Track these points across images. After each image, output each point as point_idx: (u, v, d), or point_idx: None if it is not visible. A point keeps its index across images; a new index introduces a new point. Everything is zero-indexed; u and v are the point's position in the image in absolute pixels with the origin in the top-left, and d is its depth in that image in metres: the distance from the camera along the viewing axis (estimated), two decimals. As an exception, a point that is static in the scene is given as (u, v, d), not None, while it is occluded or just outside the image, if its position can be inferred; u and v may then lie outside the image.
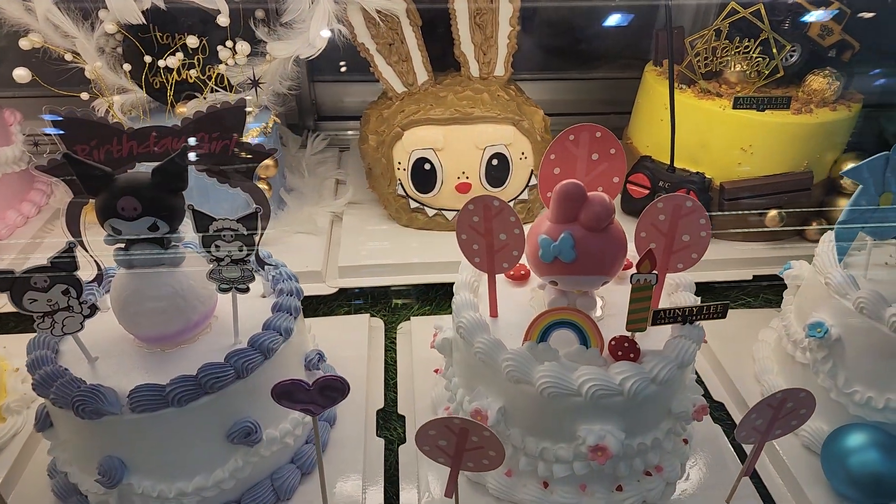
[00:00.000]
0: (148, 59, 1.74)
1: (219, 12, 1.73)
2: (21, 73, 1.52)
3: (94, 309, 1.10)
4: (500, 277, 1.33)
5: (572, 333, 1.12)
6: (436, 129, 1.82)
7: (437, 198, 1.92)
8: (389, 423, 1.51)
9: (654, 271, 1.06)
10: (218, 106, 1.20)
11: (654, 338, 1.17)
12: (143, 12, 1.68)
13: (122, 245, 1.10)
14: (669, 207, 1.13)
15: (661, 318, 1.13)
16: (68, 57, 1.70)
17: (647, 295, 1.08)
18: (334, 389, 1.01)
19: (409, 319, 1.79)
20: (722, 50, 1.90)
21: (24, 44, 1.65)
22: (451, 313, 1.77)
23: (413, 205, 1.95)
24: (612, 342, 1.14)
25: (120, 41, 1.81)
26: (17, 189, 2.05)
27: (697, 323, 1.17)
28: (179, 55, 1.72)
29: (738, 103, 1.84)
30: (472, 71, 1.96)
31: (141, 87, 1.83)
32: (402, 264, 1.86)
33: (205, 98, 1.85)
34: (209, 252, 1.12)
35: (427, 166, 1.86)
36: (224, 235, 1.10)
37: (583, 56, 2.65)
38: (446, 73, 2.01)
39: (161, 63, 1.72)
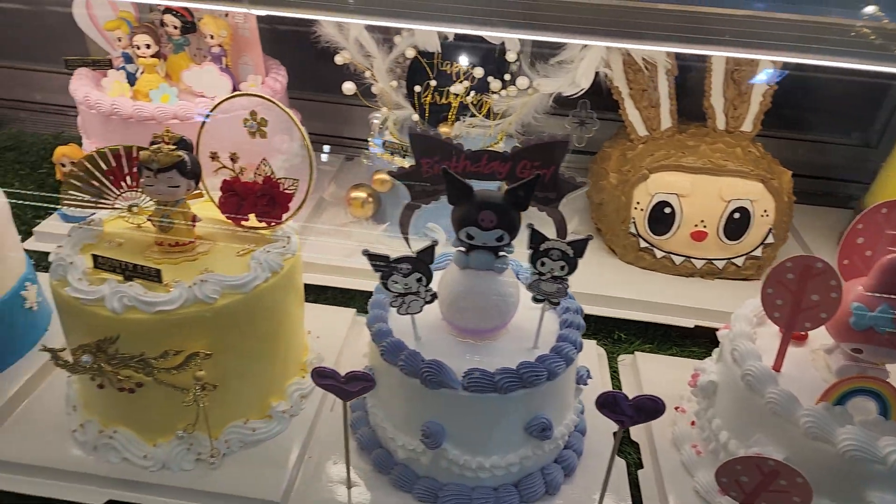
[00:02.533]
0: (433, 83, 2.04)
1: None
2: (349, 87, 1.85)
3: (434, 297, 1.36)
4: (775, 332, 1.46)
5: (872, 403, 1.23)
6: (684, 177, 1.98)
7: (669, 241, 2.07)
8: (622, 446, 1.67)
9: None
10: (545, 138, 1.43)
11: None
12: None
13: (464, 248, 1.35)
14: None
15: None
16: (367, 74, 2.04)
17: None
18: (648, 409, 1.19)
19: (633, 354, 1.95)
20: None
21: (338, 59, 2.00)
22: (674, 354, 1.95)
23: (642, 244, 2.12)
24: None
25: (406, 64, 2.12)
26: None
27: None
28: (466, 83, 2.01)
29: None
30: (718, 123, 2.11)
31: (413, 106, 2.14)
32: (627, 299, 2.03)
33: (462, 121, 2.13)
34: (534, 266, 1.34)
35: (667, 210, 2.02)
36: (551, 254, 1.32)
37: (820, 117, 2.72)
38: (688, 123, 2.17)
39: (453, 89, 2.00)
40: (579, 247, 1.30)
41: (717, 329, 1.62)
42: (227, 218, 1.55)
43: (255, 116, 1.50)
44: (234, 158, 1.53)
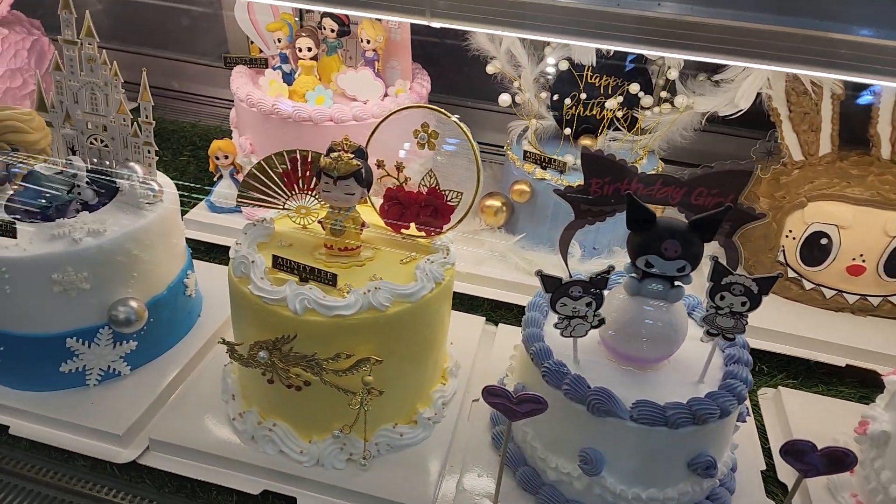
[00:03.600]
0: (583, 95, 2.03)
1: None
2: (505, 98, 1.87)
3: (600, 323, 1.35)
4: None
5: None
6: (847, 207, 1.89)
7: (821, 273, 1.99)
8: (769, 486, 1.61)
9: None
10: (727, 166, 1.40)
11: None
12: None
13: (637, 275, 1.34)
14: None
15: None
16: (516, 84, 2.05)
17: None
18: (838, 461, 1.15)
19: (777, 388, 1.88)
20: None
21: (490, 69, 2.02)
22: (820, 392, 1.87)
23: (790, 274, 2.04)
24: None
25: (550, 75, 2.12)
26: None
27: None
28: (619, 98, 1.99)
29: None
30: (882, 152, 2.00)
31: (556, 117, 2.14)
32: (771, 330, 1.95)
33: (606, 135, 2.11)
34: (712, 300, 1.32)
35: (823, 241, 1.94)
36: (734, 289, 1.29)
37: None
38: (848, 150, 2.07)
39: (609, 104, 1.99)
40: (766, 284, 1.27)
41: (871, 370, 1.55)
42: (387, 224, 1.60)
43: (426, 128, 1.54)
44: (399, 167, 1.58)
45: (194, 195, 2.32)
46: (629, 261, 1.35)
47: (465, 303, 2.10)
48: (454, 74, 2.25)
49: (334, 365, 1.36)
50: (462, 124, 1.51)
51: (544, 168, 2.06)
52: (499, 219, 2.18)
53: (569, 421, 1.35)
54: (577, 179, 2.03)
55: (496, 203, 2.14)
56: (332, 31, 2.08)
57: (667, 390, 1.36)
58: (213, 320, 1.87)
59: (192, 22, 3.13)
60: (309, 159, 1.54)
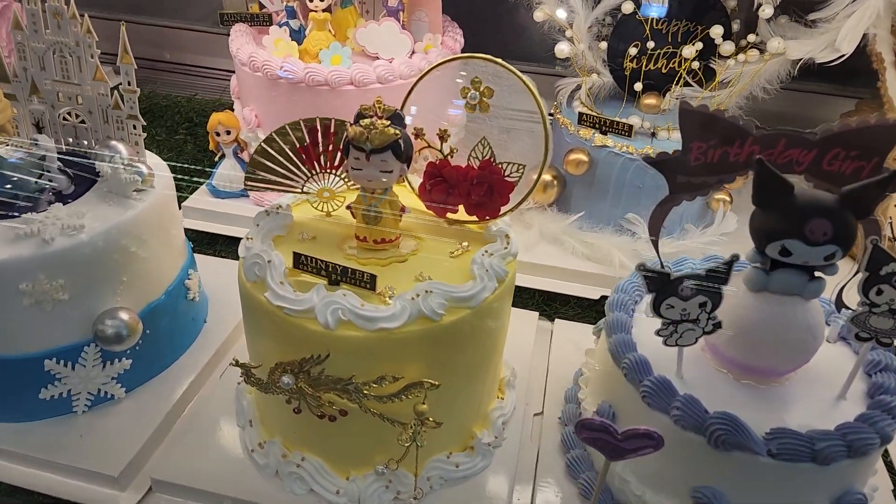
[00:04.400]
0: (651, 44, 1.72)
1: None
2: (563, 48, 1.56)
3: (716, 327, 1.07)
4: None
5: None
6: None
7: (937, 249, 1.69)
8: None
9: None
10: (871, 121, 1.10)
11: None
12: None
13: (759, 264, 1.05)
14: None
15: None
16: (568, 34, 1.73)
17: None
18: None
19: None
20: None
21: (538, 15, 1.71)
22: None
23: (898, 250, 1.74)
24: None
25: (608, 24, 1.80)
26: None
27: None
28: (697, 45, 1.67)
29: None
30: None
31: (613, 71, 1.83)
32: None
33: (674, 92, 1.80)
34: (865, 295, 1.02)
35: (943, 210, 1.64)
36: (894, 281, 1.00)
37: None
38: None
39: (685, 52, 1.67)
40: (941, 273, 0.97)
41: None
42: (429, 207, 1.31)
43: (477, 85, 1.24)
44: (442, 136, 1.28)
45: (193, 179, 2.03)
46: (752, 247, 1.06)
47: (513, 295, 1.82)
48: (489, 27, 1.93)
49: (378, 390, 1.08)
50: (525, 78, 1.21)
51: (604, 133, 1.75)
52: (549, 195, 1.88)
53: (678, 453, 1.07)
54: (645, 145, 1.74)
55: (546, 177, 1.83)
56: (348, -23, 1.77)
57: (800, 411, 1.08)
58: (221, 326, 1.60)
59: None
60: (332, 129, 1.24)
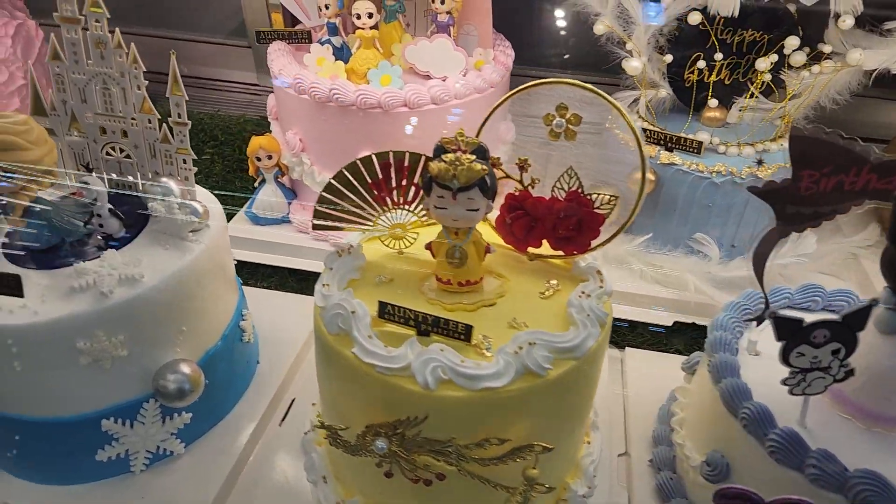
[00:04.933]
0: (719, 56, 1.62)
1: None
2: (635, 66, 1.47)
3: (848, 375, 0.98)
4: None
5: None
6: None
7: None
8: None
9: None
10: None
11: None
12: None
13: (894, 306, 0.97)
14: None
15: None
16: (629, 46, 1.64)
17: None
18: None
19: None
20: None
21: (598, 28, 1.62)
22: None
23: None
24: None
25: (669, 35, 1.71)
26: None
27: None
28: (772, 56, 1.58)
29: None
30: None
31: (672, 84, 1.74)
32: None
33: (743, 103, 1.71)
34: None
35: None
36: None
37: None
38: None
39: (759, 65, 1.58)
40: None
41: None
42: (507, 242, 1.22)
43: (563, 112, 1.15)
44: (523, 166, 1.19)
45: (227, 206, 1.93)
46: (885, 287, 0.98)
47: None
48: (537, 39, 1.84)
49: (480, 453, 0.99)
50: (618, 104, 1.12)
51: (670, 150, 1.66)
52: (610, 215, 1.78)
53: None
54: (716, 163, 1.66)
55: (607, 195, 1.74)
56: (394, -10, 1.67)
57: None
58: (276, 367, 1.50)
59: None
60: (406, 163, 1.15)
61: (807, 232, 1.65)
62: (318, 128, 1.61)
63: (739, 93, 1.71)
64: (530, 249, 1.22)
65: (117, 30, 1.22)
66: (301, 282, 1.79)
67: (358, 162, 1.15)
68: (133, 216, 1.27)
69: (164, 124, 1.28)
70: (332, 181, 1.16)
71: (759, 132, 1.68)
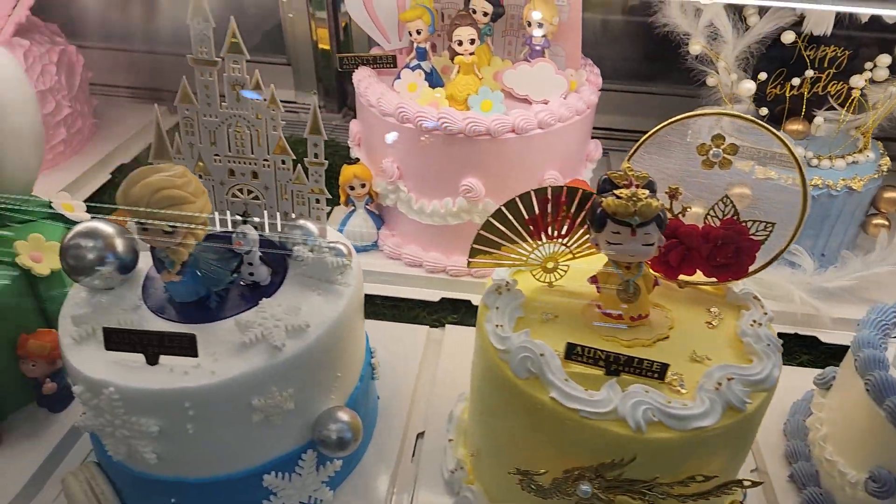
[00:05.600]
0: (810, 73, 1.65)
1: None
2: (748, 87, 1.49)
3: None
4: None
5: None
6: None
7: None
8: None
9: None
10: None
11: None
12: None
13: None
14: None
15: None
16: (720, 64, 1.66)
17: None
18: None
19: None
20: None
21: (693, 49, 1.63)
22: None
23: None
24: None
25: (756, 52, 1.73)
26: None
27: None
28: (868, 74, 1.61)
29: None
30: None
31: (756, 100, 1.76)
32: None
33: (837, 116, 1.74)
34: None
35: None
36: None
37: None
38: None
39: (855, 80, 1.61)
40: None
41: None
42: (657, 270, 1.22)
43: (719, 142, 1.16)
44: (673, 195, 1.20)
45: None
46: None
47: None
48: (621, 59, 1.84)
49: (682, 490, 1.00)
50: (779, 133, 1.14)
51: (764, 164, 1.68)
52: (696, 229, 1.80)
53: None
54: (813, 176, 1.69)
55: (700, 211, 1.75)
56: (486, 13, 1.65)
57: None
58: (396, 401, 1.48)
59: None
60: (563, 198, 1.15)
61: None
62: (419, 155, 1.59)
63: (819, 106, 1.75)
64: (681, 277, 1.23)
65: (256, 71, 1.19)
66: (393, 308, 1.76)
67: (517, 199, 1.13)
68: (272, 261, 1.23)
69: (300, 164, 1.24)
70: (491, 219, 1.14)
71: (849, 145, 1.72)
